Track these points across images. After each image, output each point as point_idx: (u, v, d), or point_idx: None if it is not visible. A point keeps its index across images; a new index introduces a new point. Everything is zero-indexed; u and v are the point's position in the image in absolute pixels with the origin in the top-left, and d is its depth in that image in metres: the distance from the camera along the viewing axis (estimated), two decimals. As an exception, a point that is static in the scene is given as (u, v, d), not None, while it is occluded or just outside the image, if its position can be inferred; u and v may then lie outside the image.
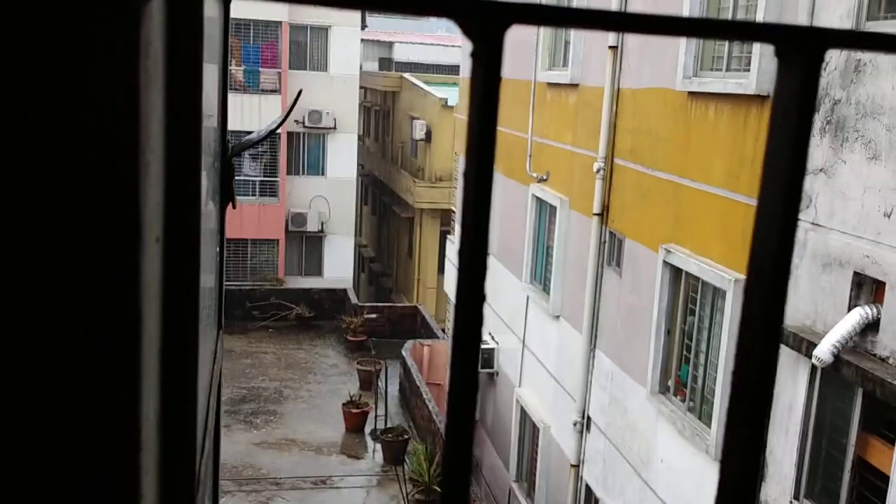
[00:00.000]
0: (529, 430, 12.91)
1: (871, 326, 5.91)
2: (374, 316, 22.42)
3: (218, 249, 1.68)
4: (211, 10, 1.57)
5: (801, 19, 6.64)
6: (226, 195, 1.68)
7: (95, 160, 0.50)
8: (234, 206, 1.70)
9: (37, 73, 0.48)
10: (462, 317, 0.41)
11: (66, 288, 0.53)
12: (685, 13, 8.37)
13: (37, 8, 0.47)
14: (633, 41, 9.75)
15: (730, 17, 7.95)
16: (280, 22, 24.43)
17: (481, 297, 0.42)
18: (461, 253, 0.41)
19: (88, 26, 0.48)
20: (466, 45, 0.40)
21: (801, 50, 0.44)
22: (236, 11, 23.51)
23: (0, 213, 0.49)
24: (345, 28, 25.51)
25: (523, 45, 13.03)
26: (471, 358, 0.42)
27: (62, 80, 0.48)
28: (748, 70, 7.49)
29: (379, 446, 16.25)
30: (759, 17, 7.19)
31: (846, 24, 6.21)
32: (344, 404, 17.25)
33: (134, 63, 0.50)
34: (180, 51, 0.76)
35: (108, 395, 0.57)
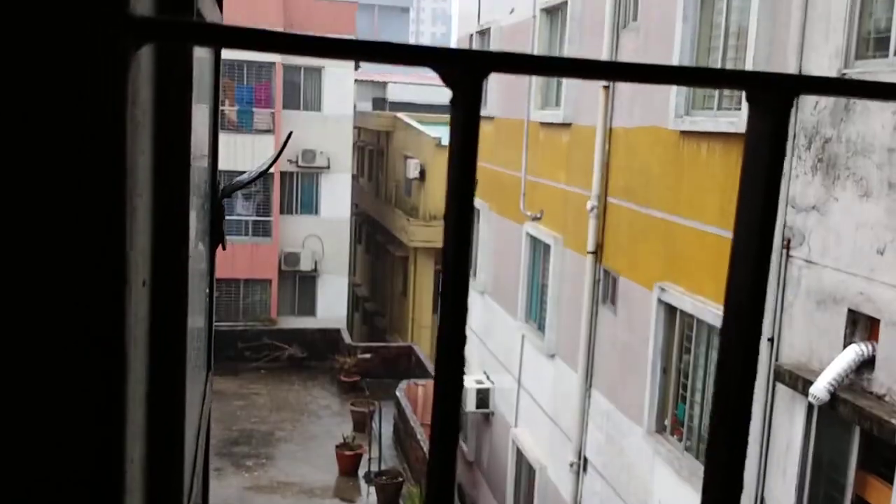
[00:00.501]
0: (525, 471, 12.76)
1: (867, 364, 5.88)
2: (367, 356, 22.27)
3: (207, 291, 1.66)
4: (201, 50, 1.57)
5: (791, 59, 6.72)
6: (216, 236, 1.67)
7: (81, 207, 0.51)
8: (223, 248, 1.69)
9: (24, 120, 0.49)
10: (444, 355, 0.43)
11: (49, 332, 0.53)
12: (675, 54, 8.47)
13: (23, 56, 0.47)
14: (624, 81, 9.85)
15: (720, 57, 8.05)
16: (274, 63, 24.66)
17: (462, 338, 0.43)
18: (443, 295, 0.42)
19: (76, 75, 0.48)
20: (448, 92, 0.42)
21: (771, 96, 0.45)
22: (229, 52, 23.79)
23: None
24: (338, 69, 25.76)
25: (516, 85, 13.16)
26: (453, 399, 0.43)
27: (48, 128, 0.49)
28: (739, 109, 7.57)
29: (373, 489, 16.03)
30: (749, 57, 7.28)
31: (835, 63, 6.28)
32: (337, 446, 17.05)
33: (121, 112, 0.50)
34: (169, 98, 0.77)
35: (92, 438, 0.56)
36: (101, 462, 0.57)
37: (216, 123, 1.88)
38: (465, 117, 0.40)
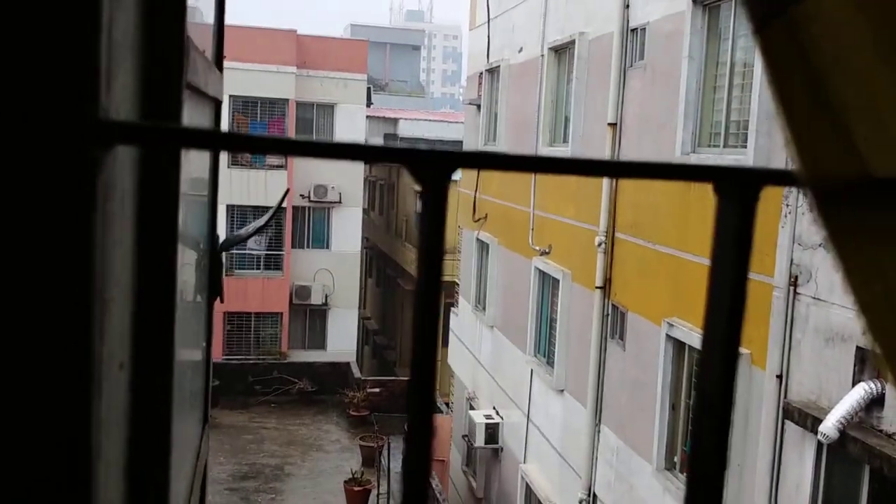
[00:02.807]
0: (534, 507, 12.65)
1: (877, 402, 5.86)
2: (376, 390, 22.22)
3: (205, 344, 1.70)
4: (199, 108, 1.59)
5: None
6: (214, 290, 1.70)
7: (46, 306, 0.50)
8: (221, 301, 1.73)
9: None
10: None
11: (12, 426, 0.51)
12: (682, 92, 8.55)
13: None
14: (631, 118, 9.94)
15: (725, 95, 8.12)
16: (287, 99, 24.94)
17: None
18: (413, 368, 0.44)
19: (46, 176, 0.48)
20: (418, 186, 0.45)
21: (738, 188, 0.47)
22: (243, 90, 23.89)
23: None
24: (350, 105, 26.02)
25: (525, 122, 13.28)
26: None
27: (19, 227, 0.49)
28: (745, 146, 7.62)
29: (381, 525, 15.90)
30: (755, 96, 7.35)
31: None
32: (346, 482, 16.95)
33: (89, 210, 0.50)
34: (155, 184, 0.78)
35: None
36: None
37: (216, 168, 1.92)
38: (433, 209, 0.44)
